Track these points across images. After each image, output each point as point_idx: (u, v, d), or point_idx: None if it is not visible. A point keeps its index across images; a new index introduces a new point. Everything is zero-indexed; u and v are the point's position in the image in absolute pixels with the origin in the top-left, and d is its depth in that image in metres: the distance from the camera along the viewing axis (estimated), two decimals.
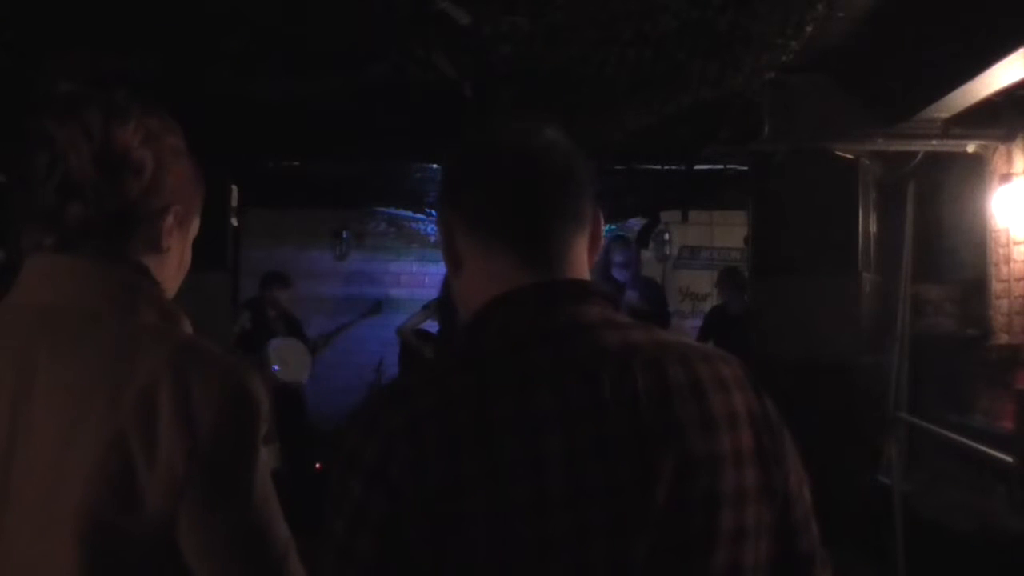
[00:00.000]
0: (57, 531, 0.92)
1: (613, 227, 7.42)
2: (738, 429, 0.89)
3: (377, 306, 6.85)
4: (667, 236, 7.63)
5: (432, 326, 6.19)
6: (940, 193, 4.86)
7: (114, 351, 0.97)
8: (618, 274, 5.55)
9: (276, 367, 5.78)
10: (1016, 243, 4.16)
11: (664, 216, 7.27)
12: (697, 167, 5.62)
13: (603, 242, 1.02)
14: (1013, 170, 4.22)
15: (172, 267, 1.12)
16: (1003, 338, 4.21)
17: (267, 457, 1.03)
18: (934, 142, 4.36)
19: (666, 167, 5.81)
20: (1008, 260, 4.21)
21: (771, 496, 0.90)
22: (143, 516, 0.93)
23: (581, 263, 0.96)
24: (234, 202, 5.43)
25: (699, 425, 0.86)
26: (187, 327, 1.06)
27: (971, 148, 4.38)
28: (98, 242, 1.02)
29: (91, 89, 1.06)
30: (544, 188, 0.94)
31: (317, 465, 5.43)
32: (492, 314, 0.91)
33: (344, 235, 7.75)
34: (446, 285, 5.86)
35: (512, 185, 0.94)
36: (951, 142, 4.33)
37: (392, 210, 7.85)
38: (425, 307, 6.22)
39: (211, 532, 0.96)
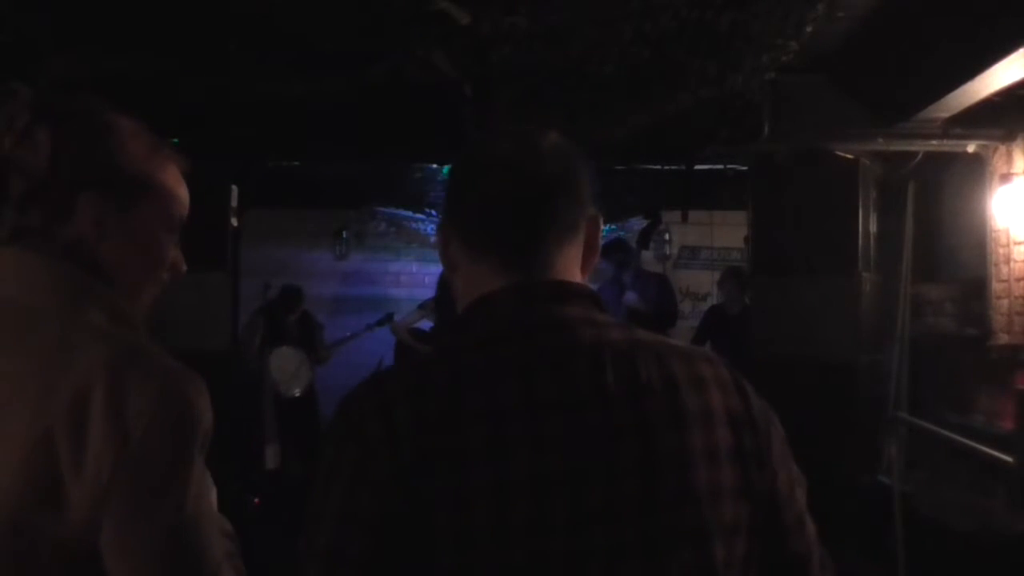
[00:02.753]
0: None
1: (613, 227, 7.42)
2: (714, 427, 0.89)
3: (388, 317, 6.76)
4: (667, 236, 7.62)
5: (427, 325, 6.19)
6: (940, 193, 4.86)
7: (52, 348, 0.94)
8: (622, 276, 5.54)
9: (275, 376, 5.83)
10: (1016, 243, 4.16)
11: (664, 216, 7.27)
12: (697, 167, 5.62)
13: (600, 246, 1.01)
14: (1013, 170, 4.22)
15: (122, 256, 1.05)
16: (1003, 338, 4.21)
17: (206, 474, 0.98)
18: (934, 142, 4.36)
19: (666, 167, 5.81)
20: (1008, 260, 4.21)
21: (751, 496, 0.90)
22: (65, 519, 0.90)
23: (567, 268, 0.96)
24: (234, 202, 5.44)
25: (668, 421, 0.87)
26: (140, 332, 1.03)
27: (971, 148, 4.38)
28: (40, 235, 1.00)
29: None
30: (532, 204, 0.95)
31: (256, 500, 5.20)
32: (473, 313, 0.94)
33: (344, 235, 7.76)
34: (442, 284, 5.86)
35: (500, 201, 0.95)
36: (951, 142, 4.33)
37: (392, 210, 7.85)
38: (421, 306, 6.23)
39: (135, 543, 0.92)
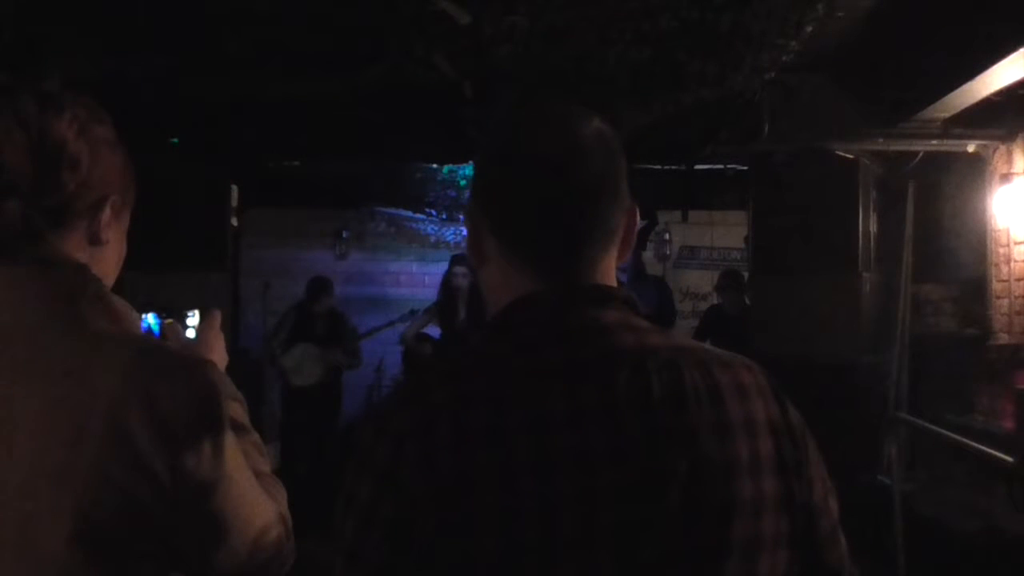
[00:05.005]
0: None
1: None
2: (757, 436, 0.87)
3: (412, 314, 6.63)
4: (667, 236, 7.63)
5: (434, 330, 6.16)
6: (940, 193, 4.87)
7: (69, 373, 0.93)
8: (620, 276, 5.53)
9: (289, 371, 5.83)
10: (1016, 243, 4.16)
11: (664, 216, 7.27)
12: (697, 167, 5.62)
13: (634, 239, 0.98)
14: (1013, 170, 4.22)
15: (111, 260, 1.09)
16: (1003, 338, 4.22)
17: (235, 441, 1.03)
18: (934, 142, 4.36)
19: (666, 167, 5.81)
20: (1008, 260, 4.21)
21: (791, 506, 0.88)
22: (146, 527, 0.94)
23: (606, 272, 0.94)
24: (234, 202, 5.44)
25: (714, 430, 0.84)
26: (136, 322, 1.04)
27: (971, 148, 4.38)
28: (35, 244, 0.98)
29: (20, 79, 1.02)
30: (575, 209, 0.91)
31: None
32: (510, 316, 0.91)
33: (344, 235, 7.76)
34: (445, 287, 5.85)
35: (540, 207, 0.90)
36: (951, 142, 4.34)
37: (392, 210, 7.86)
38: (425, 311, 6.17)
39: (191, 518, 0.96)
